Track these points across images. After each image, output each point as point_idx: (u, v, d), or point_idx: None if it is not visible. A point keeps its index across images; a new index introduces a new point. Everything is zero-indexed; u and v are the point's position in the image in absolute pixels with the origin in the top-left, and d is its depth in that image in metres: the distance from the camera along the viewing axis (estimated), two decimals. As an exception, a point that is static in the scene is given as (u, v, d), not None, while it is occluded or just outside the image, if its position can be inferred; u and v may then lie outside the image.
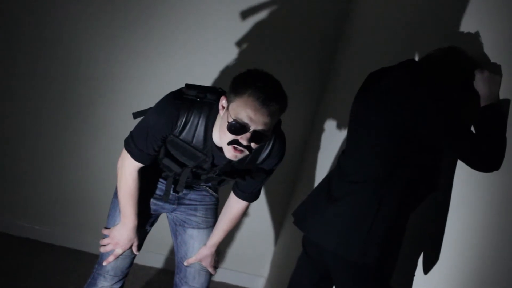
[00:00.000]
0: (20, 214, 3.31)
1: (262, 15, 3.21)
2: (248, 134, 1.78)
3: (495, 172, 1.74)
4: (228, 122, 1.79)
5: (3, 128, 3.20)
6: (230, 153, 1.84)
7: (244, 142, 1.79)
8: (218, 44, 3.20)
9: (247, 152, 1.84)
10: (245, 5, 3.16)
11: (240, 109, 1.76)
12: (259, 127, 1.77)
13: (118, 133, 3.09)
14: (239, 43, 3.23)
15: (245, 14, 3.20)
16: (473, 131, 1.82)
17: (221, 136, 1.84)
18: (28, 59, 3.11)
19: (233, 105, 1.79)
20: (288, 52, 3.29)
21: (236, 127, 1.77)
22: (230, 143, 1.81)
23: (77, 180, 3.31)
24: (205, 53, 3.20)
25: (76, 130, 3.24)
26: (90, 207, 3.34)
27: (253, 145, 1.81)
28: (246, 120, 1.76)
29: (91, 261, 3.09)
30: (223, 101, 1.86)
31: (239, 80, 1.82)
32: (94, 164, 3.29)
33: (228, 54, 3.22)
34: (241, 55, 3.25)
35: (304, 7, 3.24)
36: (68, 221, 3.35)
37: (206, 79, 3.14)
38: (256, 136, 1.79)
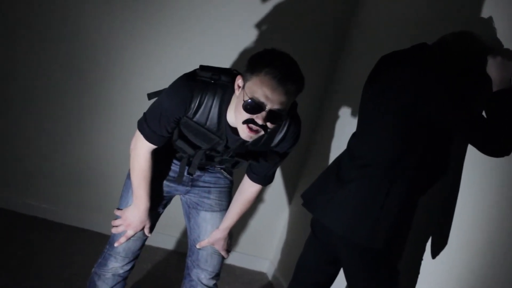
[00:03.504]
0: (27, 193, 3.32)
1: (271, 8, 3.21)
2: (264, 113, 1.76)
3: (505, 157, 1.76)
4: (244, 100, 1.77)
5: (14, 109, 3.20)
6: (245, 133, 1.82)
7: (260, 121, 1.77)
8: (229, 29, 3.21)
9: (262, 132, 1.82)
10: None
11: (256, 88, 1.74)
12: (275, 106, 1.75)
13: (129, 114, 3.12)
14: (249, 31, 3.23)
15: (255, 5, 3.20)
16: (485, 116, 1.83)
17: (236, 116, 1.83)
18: (40, 38, 3.11)
19: (249, 84, 1.77)
20: (299, 33, 3.31)
21: (252, 106, 1.75)
22: (245, 122, 1.79)
23: (86, 159, 3.31)
24: (216, 37, 3.21)
25: (88, 110, 3.24)
26: (98, 186, 3.34)
27: (269, 124, 1.79)
28: (262, 99, 1.74)
29: (99, 240, 3.12)
30: (239, 81, 1.84)
31: (256, 58, 1.80)
32: (105, 143, 3.29)
33: (237, 42, 3.23)
34: (251, 42, 3.25)
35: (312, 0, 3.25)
36: (76, 200, 3.36)
37: (218, 61, 3.13)
38: (272, 116, 1.77)
